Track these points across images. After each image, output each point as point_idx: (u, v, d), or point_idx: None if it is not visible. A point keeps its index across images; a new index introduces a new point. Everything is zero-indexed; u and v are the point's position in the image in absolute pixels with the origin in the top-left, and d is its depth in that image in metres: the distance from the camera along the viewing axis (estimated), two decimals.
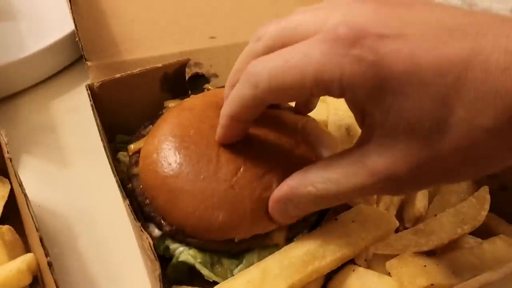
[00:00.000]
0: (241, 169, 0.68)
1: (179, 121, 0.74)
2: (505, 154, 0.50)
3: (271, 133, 0.72)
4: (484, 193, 0.78)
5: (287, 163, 0.70)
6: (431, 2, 0.53)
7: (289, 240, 0.73)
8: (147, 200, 0.73)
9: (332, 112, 0.88)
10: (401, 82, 0.49)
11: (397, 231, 0.75)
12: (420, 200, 0.79)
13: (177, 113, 0.76)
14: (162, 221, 0.71)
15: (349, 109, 0.68)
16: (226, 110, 0.64)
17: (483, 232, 0.77)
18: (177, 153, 0.70)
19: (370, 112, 0.53)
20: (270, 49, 0.59)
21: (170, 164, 0.69)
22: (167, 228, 0.71)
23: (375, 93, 0.50)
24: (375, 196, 0.78)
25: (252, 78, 0.57)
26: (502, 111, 0.46)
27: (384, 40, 0.49)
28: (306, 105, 0.77)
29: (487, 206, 0.77)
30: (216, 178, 0.67)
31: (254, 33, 0.63)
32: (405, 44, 0.49)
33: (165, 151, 0.70)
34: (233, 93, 0.62)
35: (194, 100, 0.79)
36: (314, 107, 0.77)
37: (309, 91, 0.54)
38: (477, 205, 0.77)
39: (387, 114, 0.51)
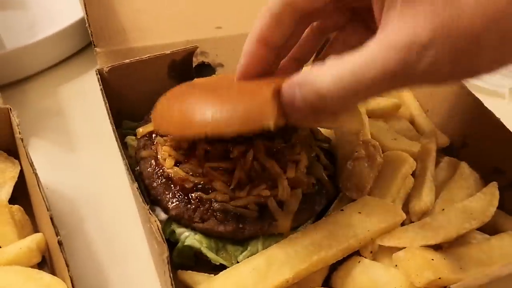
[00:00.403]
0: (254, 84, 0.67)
1: (183, 88, 0.75)
2: None
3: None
4: (493, 189, 0.78)
5: None
6: None
7: (293, 229, 0.74)
8: (155, 183, 0.73)
9: None
10: None
11: (402, 224, 0.75)
12: (427, 194, 0.78)
13: (184, 85, 0.78)
14: (169, 205, 0.72)
15: None
16: (252, 32, 0.64)
17: (491, 229, 0.77)
18: (185, 90, 0.72)
19: None
20: None
21: (180, 95, 0.71)
22: (173, 212, 0.71)
23: None
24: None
25: None
26: None
27: None
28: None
29: (495, 202, 0.76)
30: (229, 91, 0.67)
31: None
32: None
33: (174, 94, 0.73)
34: (259, 15, 0.63)
35: (203, 80, 0.83)
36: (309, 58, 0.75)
37: None
38: (486, 201, 0.76)
39: None
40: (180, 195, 0.72)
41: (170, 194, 0.72)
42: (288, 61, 0.72)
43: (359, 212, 0.72)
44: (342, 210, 0.73)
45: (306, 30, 0.71)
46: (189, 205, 0.71)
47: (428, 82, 0.54)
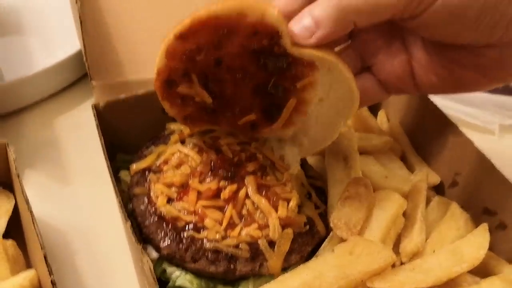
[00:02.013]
0: None
1: None
2: None
3: None
4: (483, 231, 0.78)
5: None
6: None
7: (284, 270, 0.74)
8: (147, 222, 0.74)
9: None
10: None
11: (393, 264, 0.75)
12: (418, 234, 0.79)
13: None
14: (160, 244, 0.72)
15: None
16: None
17: (482, 270, 0.77)
18: None
19: None
20: None
21: None
22: (165, 251, 0.72)
23: None
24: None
25: None
26: None
27: None
28: None
29: (486, 245, 0.76)
30: None
31: None
32: None
33: None
34: None
35: None
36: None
37: None
38: (476, 243, 0.76)
39: None
40: (172, 234, 0.72)
41: (162, 233, 0.73)
42: None
43: (350, 253, 0.72)
44: (332, 250, 0.73)
45: None
46: (180, 245, 0.71)
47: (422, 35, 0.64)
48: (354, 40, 0.75)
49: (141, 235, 0.74)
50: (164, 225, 0.73)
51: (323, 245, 0.78)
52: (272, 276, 0.72)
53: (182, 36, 0.68)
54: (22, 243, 0.79)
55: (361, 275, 0.69)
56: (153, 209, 0.75)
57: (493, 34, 0.61)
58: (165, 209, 0.74)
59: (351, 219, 0.77)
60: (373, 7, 0.60)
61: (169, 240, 0.72)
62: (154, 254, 0.73)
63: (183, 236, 0.72)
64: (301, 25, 0.63)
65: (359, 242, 0.73)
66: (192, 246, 0.71)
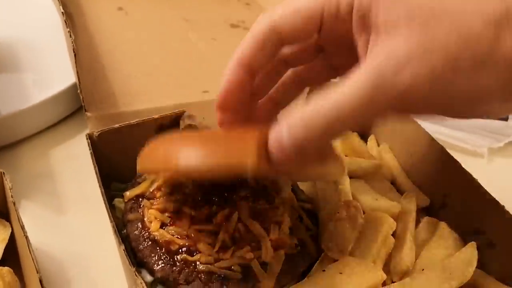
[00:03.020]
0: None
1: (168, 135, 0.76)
2: (489, 51, 0.51)
3: None
4: (472, 249, 0.79)
5: None
6: None
7: None
8: (141, 246, 0.75)
9: None
10: None
11: (384, 284, 0.76)
12: (407, 254, 0.80)
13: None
14: (155, 267, 0.73)
15: None
16: (235, 56, 0.65)
17: None
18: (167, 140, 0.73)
19: (375, 13, 0.55)
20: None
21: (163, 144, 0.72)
22: (159, 274, 0.73)
23: None
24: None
25: (266, 12, 0.61)
26: (496, 5, 0.50)
27: None
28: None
29: (474, 262, 0.78)
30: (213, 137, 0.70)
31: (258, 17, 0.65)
32: None
33: (156, 142, 0.73)
34: (244, 38, 0.64)
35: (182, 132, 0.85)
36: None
37: (320, 16, 0.58)
38: (465, 261, 0.78)
39: (390, 7, 0.53)
40: (166, 257, 0.73)
41: (156, 256, 0.74)
42: (266, 101, 0.74)
43: (340, 273, 0.73)
44: (324, 270, 0.75)
45: (288, 74, 0.73)
46: (174, 268, 0.73)
47: (407, 107, 0.55)
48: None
49: (136, 259, 0.76)
50: (158, 249, 0.74)
51: (314, 266, 0.79)
52: None
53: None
54: (18, 272, 0.80)
55: None
56: (147, 234, 0.76)
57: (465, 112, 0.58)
58: (159, 234, 0.75)
59: (342, 241, 0.79)
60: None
61: (162, 263, 0.73)
62: (149, 278, 0.74)
63: (177, 259, 0.73)
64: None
65: (349, 262, 0.75)
66: (185, 269, 0.72)
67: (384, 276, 0.74)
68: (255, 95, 0.72)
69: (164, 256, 0.74)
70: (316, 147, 0.58)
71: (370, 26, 0.56)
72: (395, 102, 0.53)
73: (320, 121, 0.55)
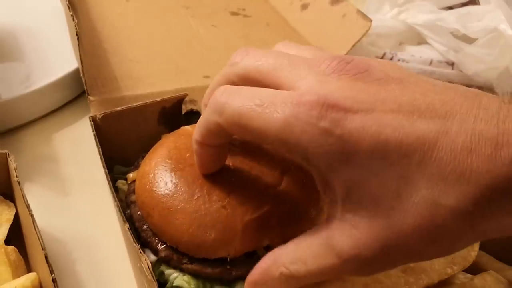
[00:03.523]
0: (234, 191, 0.70)
1: (175, 145, 0.77)
2: (468, 236, 0.49)
3: (261, 157, 0.75)
4: None
5: (278, 185, 0.73)
6: (407, 79, 0.53)
7: None
8: (145, 226, 0.76)
9: None
10: (366, 158, 0.49)
11: None
12: None
13: (174, 138, 0.80)
14: (158, 247, 0.73)
15: None
16: (194, 135, 0.65)
17: (473, 268, 0.78)
18: (172, 173, 0.73)
19: (333, 186, 0.52)
20: (241, 79, 0.60)
21: (166, 183, 0.72)
22: (162, 254, 0.73)
23: (339, 167, 0.50)
24: None
25: (218, 106, 0.57)
26: (466, 192, 0.45)
27: (353, 115, 0.49)
28: None
29: (476, 247, 0.78)
30: (210, 199, 0.70)
31: (233, 55, 0.64)
32: (373, 121, 0.49)
33: (161, 172, 0.73)
34: (200, 118, 0.63)
35: (189, 128, 0.83)
36: None
37: (271, 142, 0.54)
38: None
39: (350, 190, 0.50)
40: None
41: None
42: None
43: None
44: None
45: None
46: None
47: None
48: None
49: (139, 239, 0.76)
50: None
51: None
52: None
53: None
54: (23, 252, 0.81)
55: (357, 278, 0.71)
56: None
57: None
58: None
59: None
60: None
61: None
62: (152, 257, 0.74)
63: None
64: None
65: None
66: None
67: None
68: None
69: None
70: None
71: (331, 185, 0.53)
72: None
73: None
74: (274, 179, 0.74)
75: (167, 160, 0.75)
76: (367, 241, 0.50)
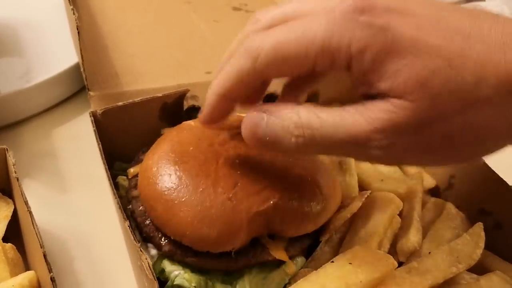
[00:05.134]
0: (239, 183, 0.69)
1: (178, 139, 0.76)
2: (502, 127, 0.51)
3: (263, 158, 0.74)
4: (479, 230, 0.78)
5: (283, 181, 0.72)
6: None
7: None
8: (147, 221, 0.74)
9: None
10: (410, 46, 0.50)
11: None
12: (414, 234, 0.79)
13: (176, 132, 0.79)
14: (161, 241, 0.72)
15: None
16: (217, 87, 0.63)
17: (479, 268, 0.77)
18: (176, 167, 0.71)
19: (375, 80, 0.53)
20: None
21: (169, 176, 0.71)
22: (166, 248, 0.72)
23: (383, 57, 0.51)
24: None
25: (253, 49, 0.57)
26: (502, 80, 0.48)
27: (391, 11, 0.51)
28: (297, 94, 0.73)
29: (482, 244, 0.77)
30: (215, 190, 0.68)
31: (251, 17, 0.63)
32: (411, 16, 0.51)
33: (165, 165, 0.72)
34: (226, 68, 0.61)
35: (191, 123, 0.81)
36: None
37: (313, 62, 0.54)
38: (472, 243, 0.77)
39: (395, 77, 0.51)
40: None
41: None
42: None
43: (350, 263, 0.71)
44: (332, 261, 0.72)
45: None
46: None
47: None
48: None
49: (141, 234, 0.75)
50: None
51: (320, 245, 0.78)
52: (271, 272, 0.73)
53: None
54: (21, 250, 0.79)
55: (363, 285, 0.68)
56: None
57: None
58: None
59: None
60: None
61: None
62: (154, 252, 0.73)
63: None
64: None
65: (359, 251, 0.72)
66: None
67: (396, 264, 0.71)
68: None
69: None
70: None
71: (372, 82, 0.53)
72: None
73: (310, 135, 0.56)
74: (280, 173, 0.73)
75: (170, 153, 0.74)
76: (407, 115, 0.51)
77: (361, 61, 0.52)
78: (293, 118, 0.56)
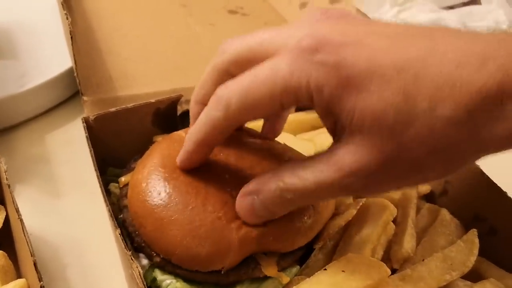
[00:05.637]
0: (229, 202, 0.69)
1: (169, 152, 0.75)
2: (467, 146, 0.51)
3: (256, 165, 0.73)
4: (473, 236, 0.78)
5: None
6: (386, 21, 0.58)
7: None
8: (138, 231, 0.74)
9: (318, 149, 0.89)
10: (364, 79, 0.51)
11: None
12: (408, 241, 0.78)
13: (167, 144, 0.78)
14: (152, 252, 0.71)
15: None
16: (195, 135, 0.65)
17: (473, 275, 0.76)
18: (166, 183, 0.70)
19: (338, 113, 0.54)
20: (234, 63, 0.62)
21: (159, 193, 0.70)
22: (157, 259, 0.71)
23: (340, 92, 0.52)
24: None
25: (223, 100, 0.59)
26: (458, 101, 0.48)
27: (344, 46, 0.52)
28: (274, 127, 0.79)
29: (476, 251, 0.76)
30: (204, 209, 0.68)
31: (219, 46, 0.66)
32: (364, 49, 0.52)
33: (155, 181, 0.71)
34: (201, 118, 0.63)
35: (182, 133, 0.80)
36: (280, 131, 0.79)
37: (279, 103, 0.56)
38: (466, 250, 0.76)
39: (353, 112, 0.52)
40: None
41: None
42: None
43: (343, 271, 0.71)
44: (325, 269, 0.72)
45: None
46: None
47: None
48: None
49: (133, 244, 0.74)
50: None
51: (313, 252, 0.78)
52: (265, 279, 0.72)
53: None
54: (13, 257, 0.79)
55: None
56: None
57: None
58: None
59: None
60: None
61: None
62: (145, 262, 0.73)
63: None
64: None
65: (352, 259, 0.72)
66: None
67: (389, 271, 0.70)
68: None
69: None
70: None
71: (335, 114, 0.55)
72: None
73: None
74: None
75: (160, 168, 0.73)
76: (370, 154, 0.52)
77: (322, 97, 0.53)
78: (280, 186, 0.60)
